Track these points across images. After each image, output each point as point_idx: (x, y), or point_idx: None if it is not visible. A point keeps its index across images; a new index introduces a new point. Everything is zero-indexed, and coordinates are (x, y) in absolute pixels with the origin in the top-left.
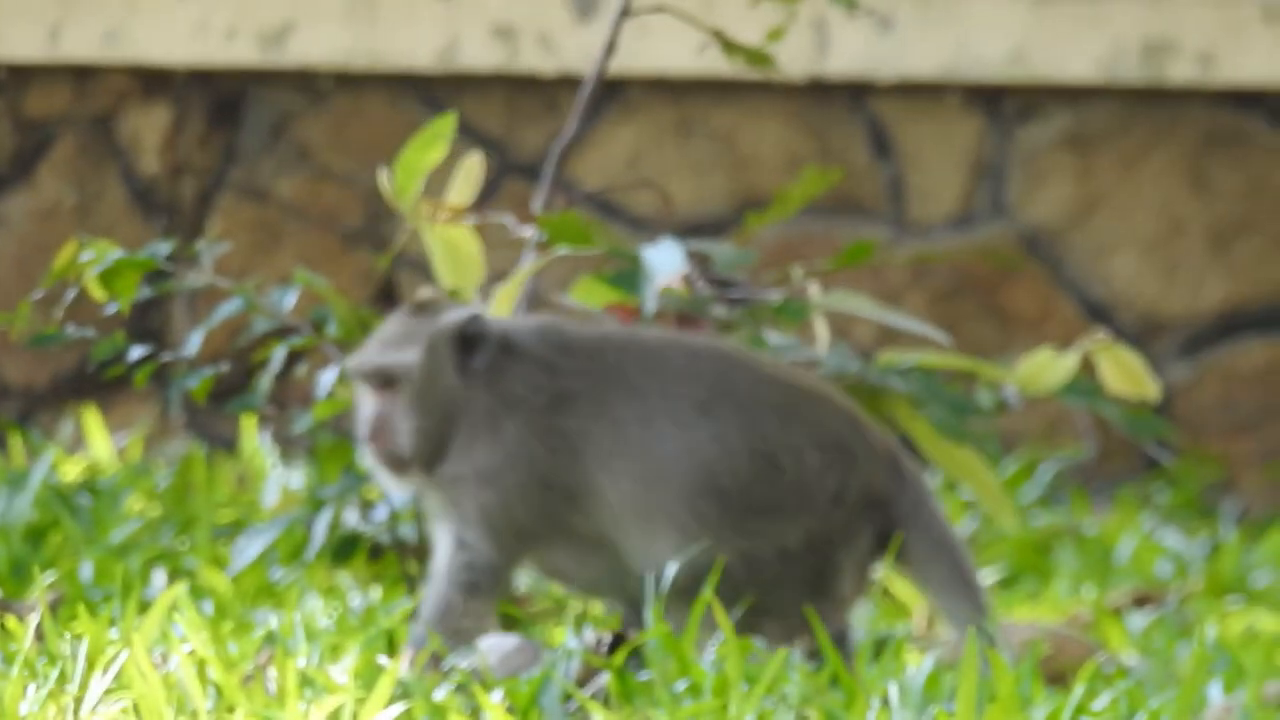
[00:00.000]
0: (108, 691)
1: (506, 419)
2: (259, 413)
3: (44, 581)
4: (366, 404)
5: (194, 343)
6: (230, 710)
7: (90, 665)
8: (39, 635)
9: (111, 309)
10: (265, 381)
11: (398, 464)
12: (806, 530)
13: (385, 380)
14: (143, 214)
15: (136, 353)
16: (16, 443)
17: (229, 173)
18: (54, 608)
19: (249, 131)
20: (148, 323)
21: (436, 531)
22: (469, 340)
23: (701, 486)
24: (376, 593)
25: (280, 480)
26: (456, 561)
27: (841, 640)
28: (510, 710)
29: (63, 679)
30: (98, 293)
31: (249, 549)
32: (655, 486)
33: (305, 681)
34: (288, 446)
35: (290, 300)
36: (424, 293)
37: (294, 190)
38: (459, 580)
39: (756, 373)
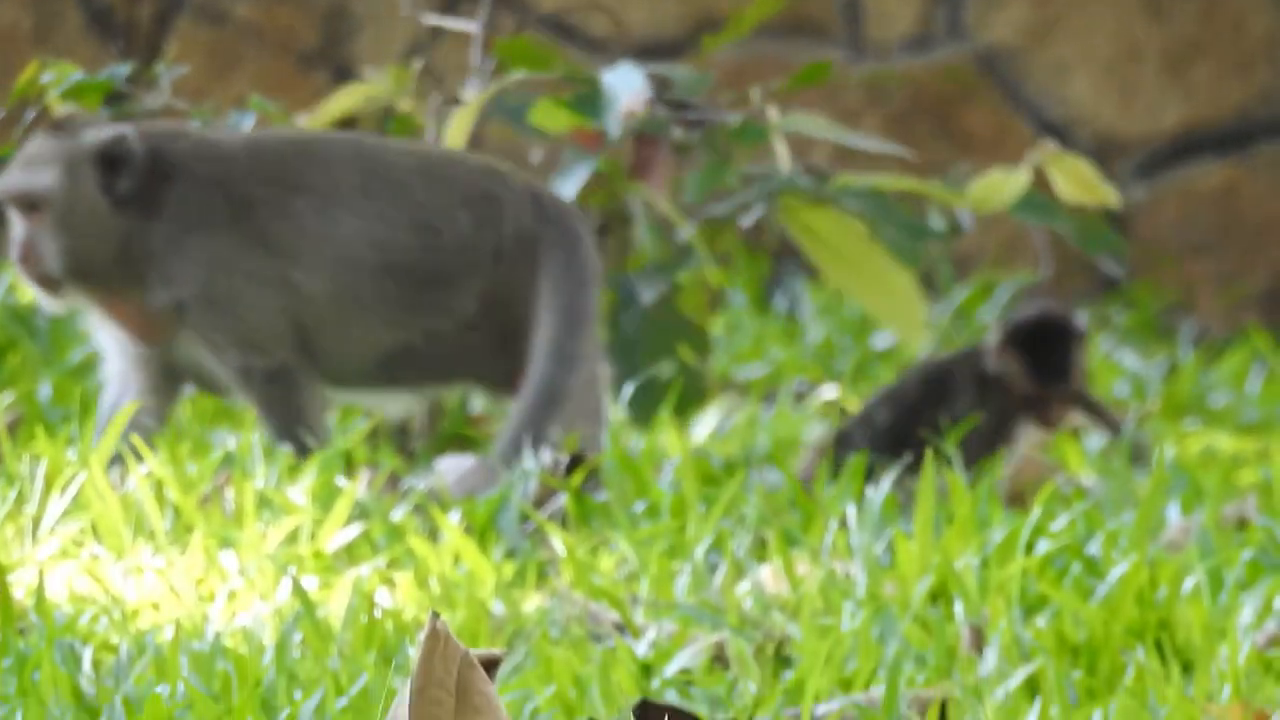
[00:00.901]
0: (65, 512)
1: (190, 241)
2: None
3: (2, 402)
4: (18, 226)
5: None
6: (188, 530)
7: (48, 486)
8: None
9: None
10: None
11: (50, 285)
12: (479, 293)
13: (29, 204)
14: (100, 36)
15: None
16: None
17: None
18: (12, 429)
19: None
20: None
21: (225, 378)
22: (112, 161)
23: (380, 266)
24: (334, 415)
25: None
26: (256, 383)
27: None
28: (468, 530)
29: (20, 499)
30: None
31: None
32: (342, 272)
33: (263, 502)
34: None
35: (247, 123)
36: (64, 110)
37: (251, 12)
38: (273, 394)
39: (390, 149)
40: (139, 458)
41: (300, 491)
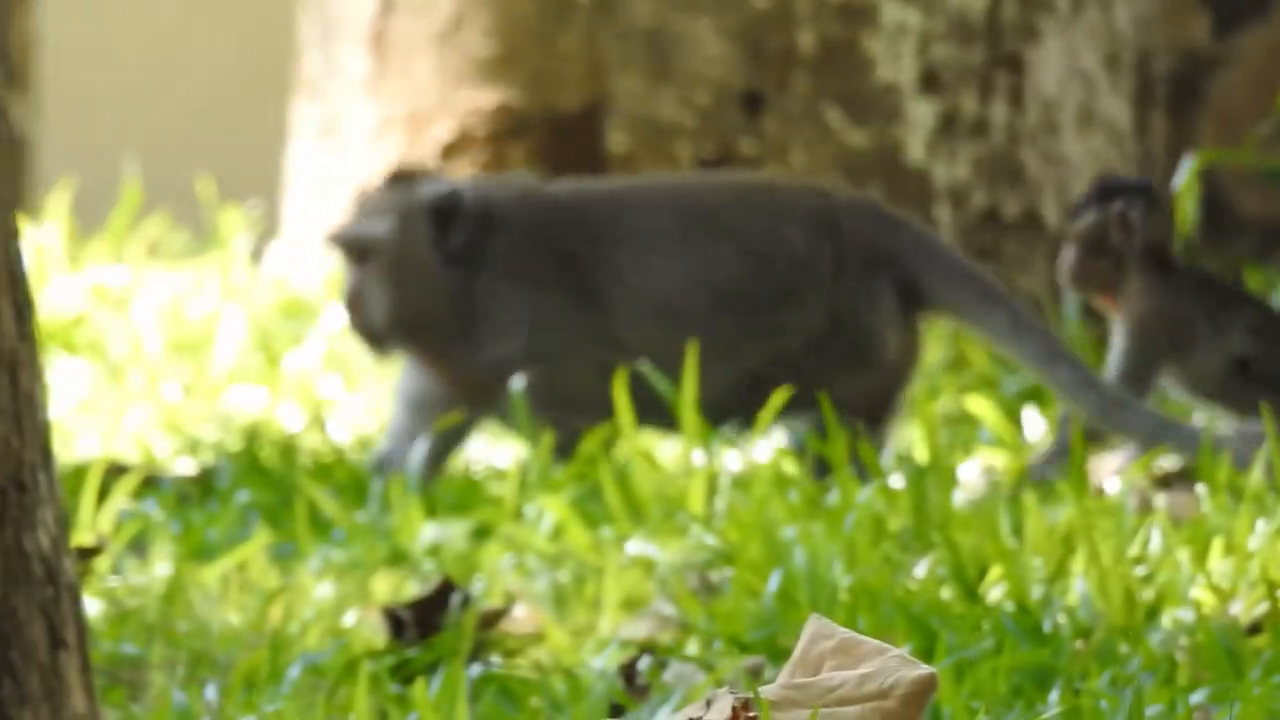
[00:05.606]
0: None
1: (519, 295)
2: None
3: None
4: (346, 275)
5: None
6: None
7: None
8: None
9: None
10: None
11: (373, 338)
12: (824, 309)
13: (359, 252)
14: None
15: None
16: (1255, 277)
17: None
18: None
19: None
20: None
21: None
22: (444, 215)
23: (711, 304)
24: None
25: None
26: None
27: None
28: None
29: None
30: None
31: None
32: (669, 321)
33: None
34: None
35: None
36: (404, 165)
37: None
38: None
39: (709, 185)
40: None
41: None
